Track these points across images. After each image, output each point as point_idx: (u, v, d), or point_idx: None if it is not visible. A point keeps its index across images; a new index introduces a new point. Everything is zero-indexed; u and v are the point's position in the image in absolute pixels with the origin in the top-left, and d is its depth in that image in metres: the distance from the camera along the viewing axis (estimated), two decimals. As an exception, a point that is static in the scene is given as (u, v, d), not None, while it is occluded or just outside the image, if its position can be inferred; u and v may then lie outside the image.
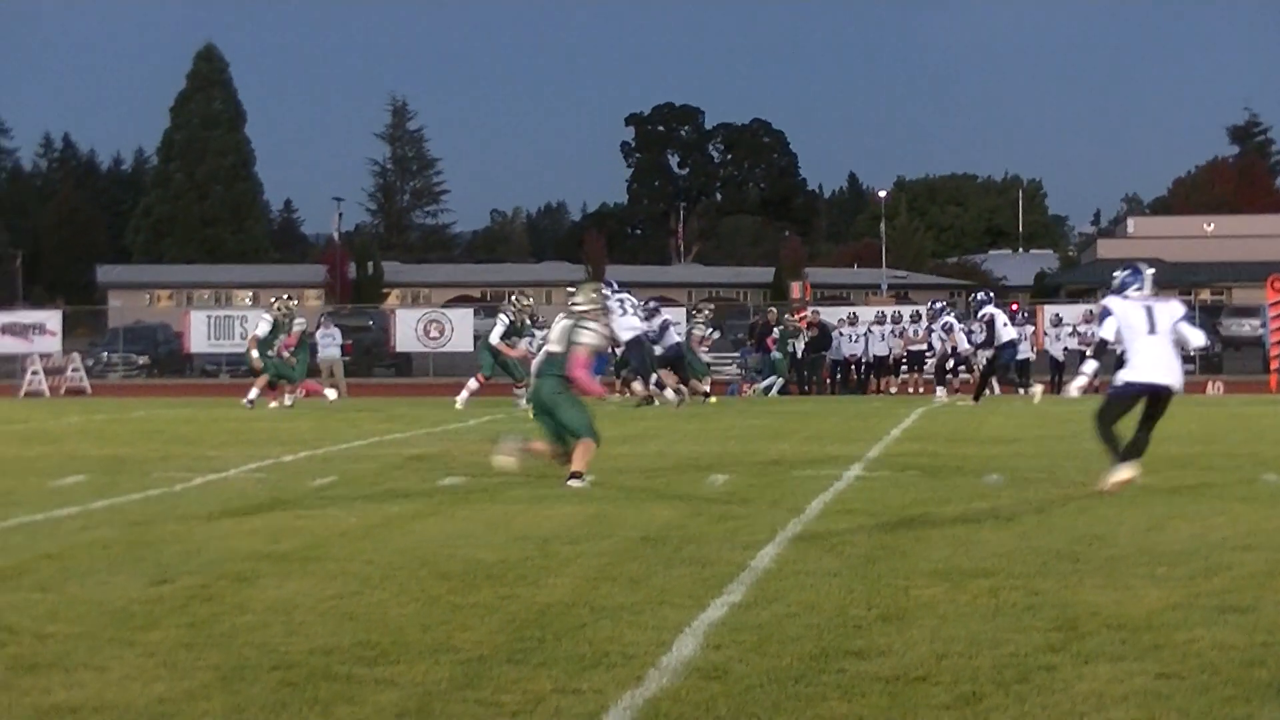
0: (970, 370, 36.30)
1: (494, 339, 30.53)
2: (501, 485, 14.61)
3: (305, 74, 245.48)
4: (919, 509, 12.45)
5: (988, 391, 33.67)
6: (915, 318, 42.99)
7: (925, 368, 41.03)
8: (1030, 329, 42.52)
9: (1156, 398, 14.13)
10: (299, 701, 6.32)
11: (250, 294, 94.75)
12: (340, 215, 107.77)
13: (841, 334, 43.31)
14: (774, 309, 46.84)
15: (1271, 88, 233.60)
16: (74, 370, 45.53)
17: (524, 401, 30.10)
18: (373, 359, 57.99)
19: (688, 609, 8.13)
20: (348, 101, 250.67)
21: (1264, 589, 8.62)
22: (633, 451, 18.96)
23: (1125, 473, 13.62)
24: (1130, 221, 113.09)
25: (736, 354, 50.06)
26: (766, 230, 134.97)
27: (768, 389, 39.93)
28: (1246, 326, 57.20)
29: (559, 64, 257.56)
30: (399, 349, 56.21)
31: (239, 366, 49.10)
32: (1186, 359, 40.98)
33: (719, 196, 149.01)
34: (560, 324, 15.36)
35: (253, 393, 30.77)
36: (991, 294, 35.29)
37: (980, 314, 33.27)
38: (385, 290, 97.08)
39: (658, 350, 32.09)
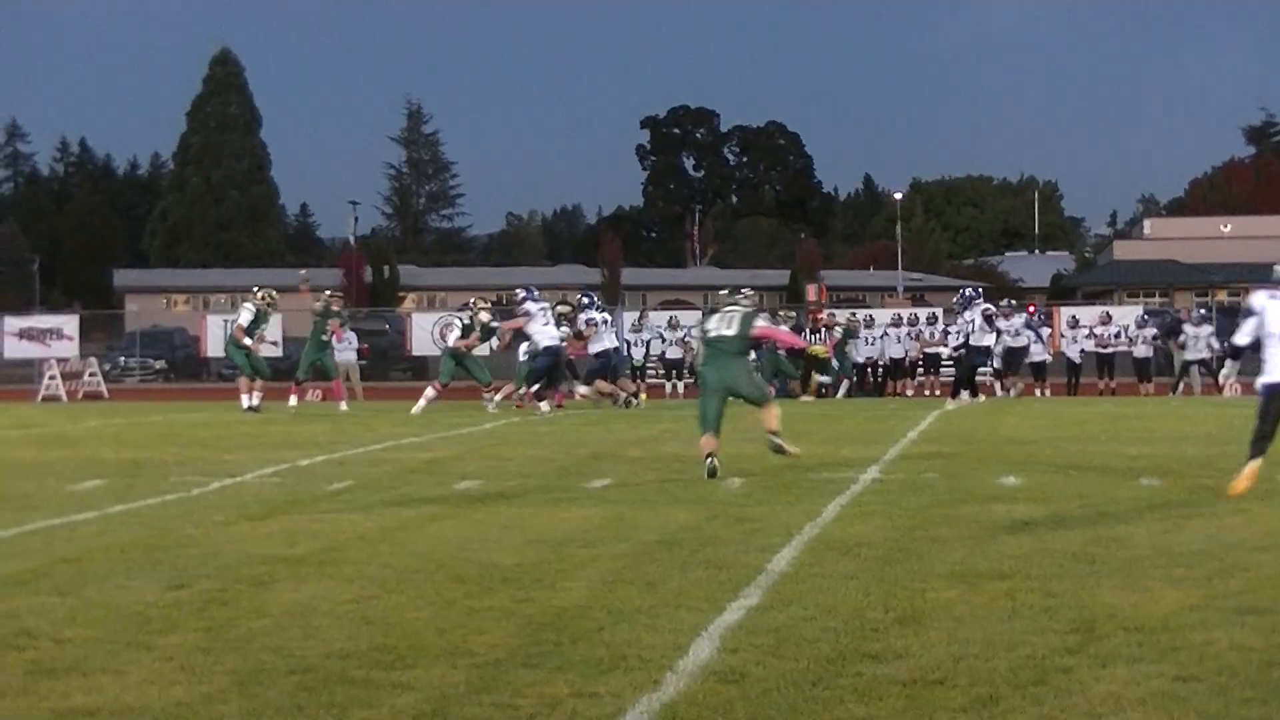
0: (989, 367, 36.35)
1: (451, 340, 30.97)
2: (517, 488, 14.64)
3: (321, 78, 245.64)
4: (935, 511, 12.43)
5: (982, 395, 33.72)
6: (932, 320, 43.01)
7: (942, 370, 41.11)
8: (1047, 331, 42.52)
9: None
10: (315, 705, 6.33)
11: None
12: (355, 219, 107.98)
13: (857, 337, 43.28)
14: (793, 312, 46.93)
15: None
16: (91, 375, 45.63)
17: (492, 406, 30.28)
18: (389, 362, 58.02)
19: (704, 612, 8.12)
20: (363, 105, 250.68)
21: (1278, 590, 8.62)
22: (648, 454, 18.98)
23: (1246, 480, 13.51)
24: (1146, 223, 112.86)
25: (753, 358, 50.03)
26: (782, 232, 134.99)
27: (836, 389, 39.90)
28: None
29: (574, 67, 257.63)
30: (415, 352, 56.16)
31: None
32: (1201, 362, 41.14)
33: (734, 199, 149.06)
34: (731, 313, 16.87)
35: (251, 399, 30.76)
36: (980, 289, 35.46)
37: (977, 312, 33.49)
38: (401, 294, 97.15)
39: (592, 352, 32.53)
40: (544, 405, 30.32)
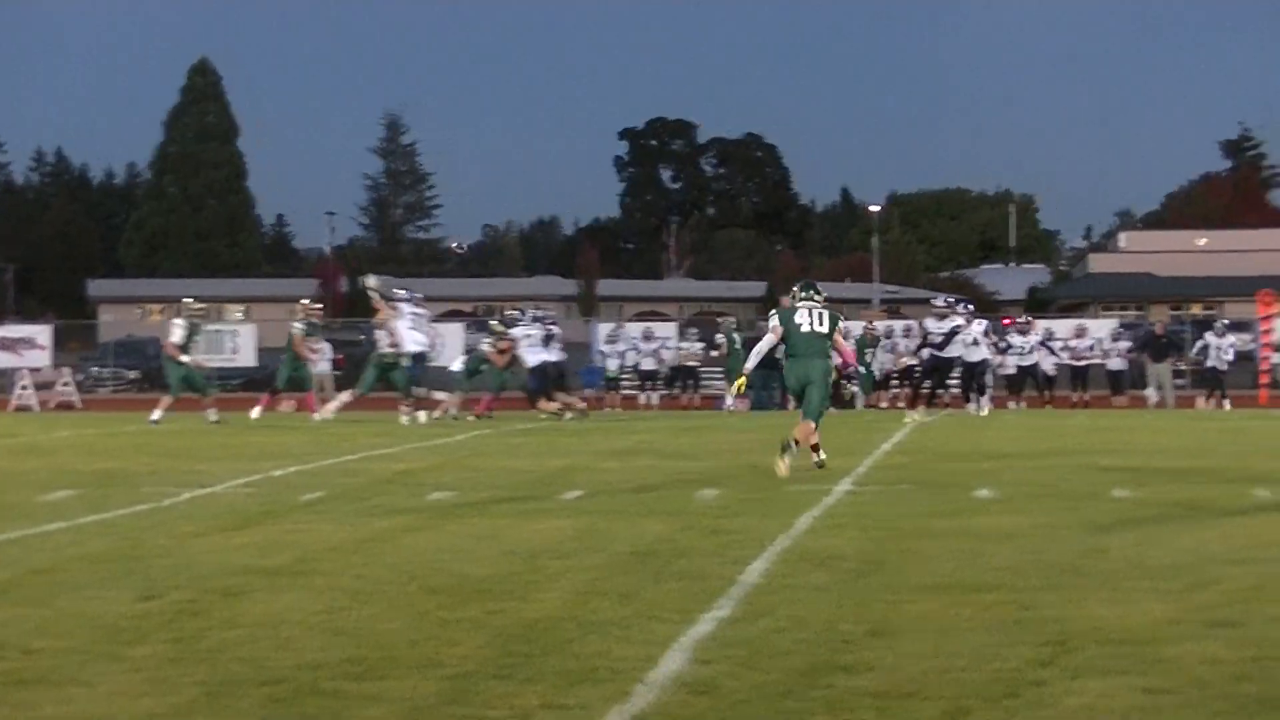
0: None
1: (295, 328, 32.68)
2: (490, 499, 14.63)
3: (299, 88, 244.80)
4: (909, 523, 12.44)
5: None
6: (907, 333, 43.07)
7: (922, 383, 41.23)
8: (1059, 343, 42.61)
9: None
10: (286, 717, 6.31)
11: (243, 308, 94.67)
12: (332, 229, 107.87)
13: (874, 346, 43.32)
14: (723, 319, 47.05)
15: (1264, 101, 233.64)
16: (64, 384, 45.54)
17: (405, 418, 30.28)
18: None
19: (676, 624, 8.11)
20: (341, 116, 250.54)
21: (1253, 604, 8.63)
22: (623, 466, 18.97)
23: None
24: (1122, 236, 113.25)
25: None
26: (759, 244, 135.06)
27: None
28: (1239, 341, 57.29)
29: (552, 78, 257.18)
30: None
31: (229, 380, 49.18)
32: (1177, 374, 41.28)
33: (712, 210, 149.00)
34: (819, 311, 17.92)
35: (209, 414, 30.70)
36: (970, 305, 35.59)
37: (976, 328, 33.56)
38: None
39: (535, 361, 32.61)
40: (421, 415, 30.69)
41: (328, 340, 40.89)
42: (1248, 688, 6.67)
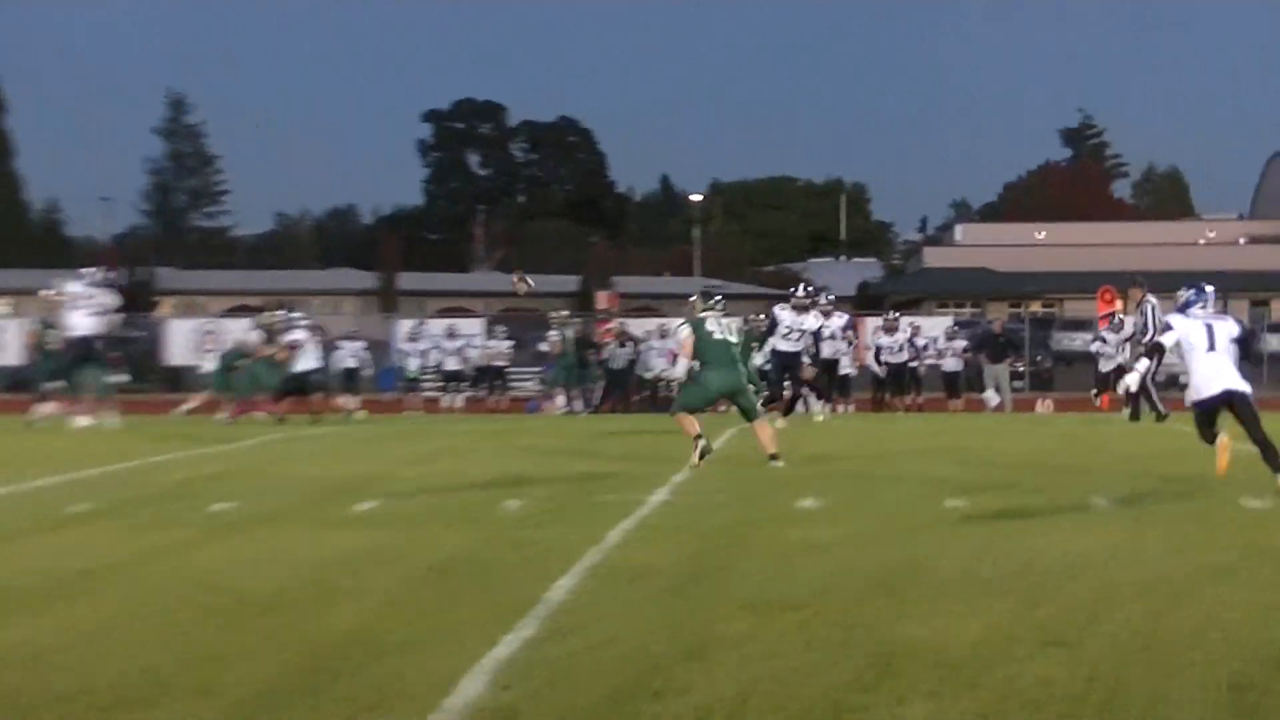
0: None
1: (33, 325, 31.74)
2: (277, 511, 14.48)
3: (75, 61, 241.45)
4: (728, 536, 12.48)
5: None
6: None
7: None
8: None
9: (1233, 406, 15.86)
10: (42, 752, 6.20)
11: (11, 302, 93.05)
12: (109, 217, 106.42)
13: (652, 348, 43.50)
14: (555, 311, 47.06)
15: (1105, 89, 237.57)
16: None
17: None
18: (142, 372, 57.23)
19: (476, 645, 8.07)
20: (122, 94, 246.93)
21: (1091, 620, 8.72)
22: (423, 472, 18.87)
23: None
24: (958, 228, 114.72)
25: (538, 368, 50.06)
26: (573, 235, 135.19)
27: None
28: (1078, 340, 57.99)
29: (351, 56, 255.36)
30: (171, 362, 55.55)
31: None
32: (1016, 376, 41.84)
33: (522, 198, 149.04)
34: (724, 320, 20.02)
35: None
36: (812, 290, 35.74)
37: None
38: (155, 298, 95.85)
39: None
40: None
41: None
42: (1083, 710, 6.75)
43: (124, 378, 32.41)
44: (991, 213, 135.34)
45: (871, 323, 46.87)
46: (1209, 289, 16.54)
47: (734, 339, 19.95)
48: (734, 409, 20.60)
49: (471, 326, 50.70)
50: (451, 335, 46.33)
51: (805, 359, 30.75)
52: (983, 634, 8.33)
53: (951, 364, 42.95)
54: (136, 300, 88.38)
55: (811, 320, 31.23)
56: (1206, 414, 16.11)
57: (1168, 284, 28.59)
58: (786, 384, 30.81)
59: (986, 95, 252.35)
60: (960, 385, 42.86)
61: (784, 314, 30.46)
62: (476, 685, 7.17)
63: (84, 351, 29.65)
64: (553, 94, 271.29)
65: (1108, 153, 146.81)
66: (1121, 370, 30.05)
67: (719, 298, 20.37)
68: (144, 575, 10.58)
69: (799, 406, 31.59)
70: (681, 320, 20.84)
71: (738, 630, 8.46)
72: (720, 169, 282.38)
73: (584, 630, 8.47)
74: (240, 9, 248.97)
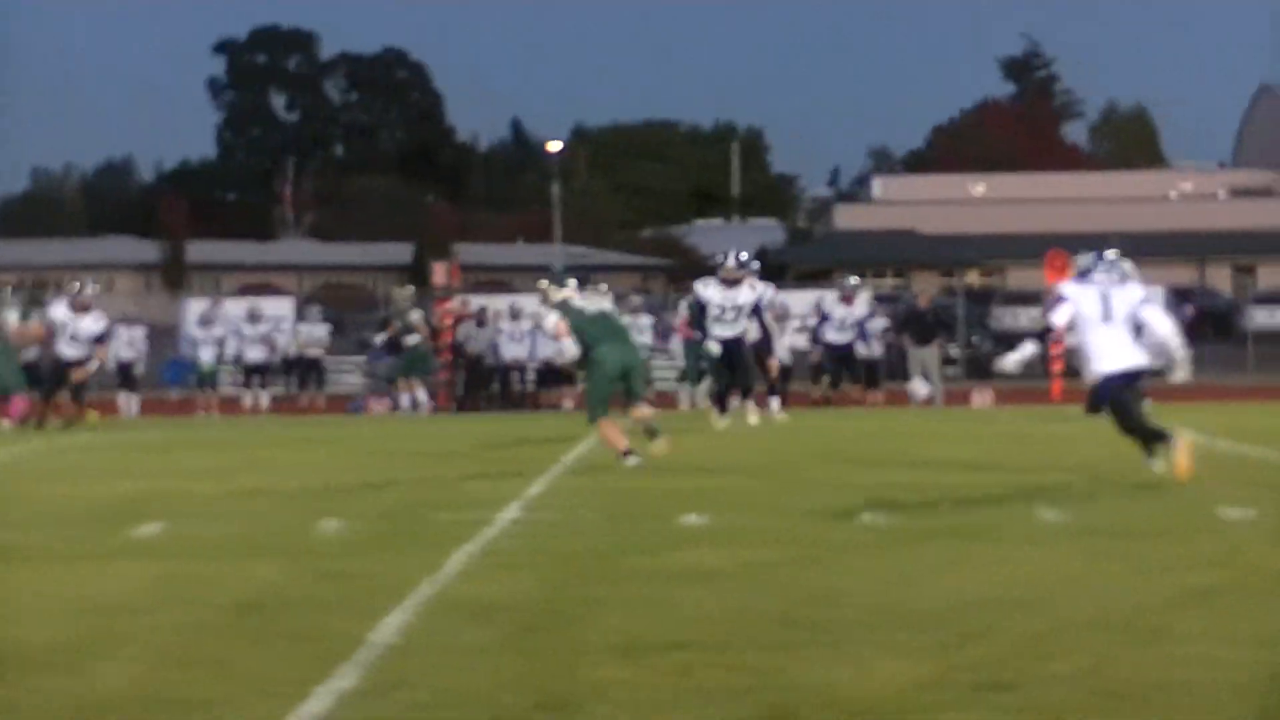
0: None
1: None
2: (39, 540, 14.41)
3: None
4: (595, 562, 12.54)
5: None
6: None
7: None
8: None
9: (1129, 384, 17.38)
10: None
11: None
12: None
13: (501, 331, 43.57)
14: (398, 288, 47.10)
15: (1055, 8, 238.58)
16: None
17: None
18: None
19: (286, 699, 8.05)
20: None
21: (1031, 659, 8.79)
22: (220, 490, 18.83)
23: (1183, 454, 16.89)
24: (877, 182, 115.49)
25: (363, 358, 50.02)
26: (405, 194, 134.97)
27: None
28: (1024, 318, 57.71)
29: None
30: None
31: None
32: (948, 361, 42.14)
33: (341, 149, 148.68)
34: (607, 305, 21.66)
35: None
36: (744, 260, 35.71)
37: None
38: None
39: None
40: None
41: None
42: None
43: None
44: (917, 162, 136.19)
45: (803, 295, 46.98)
46: (1112, 253, 17.89)
47: (609, 306, 20.96)
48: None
49: (279, 308, 50.56)
50: (254, 319, 46.20)
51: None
52: (904, 679, 8.39)
53: (870, 348, 42.98)
54: None
55: (747, 293, 30.66)
56: (1120, 388, 17.30)
57: (1134, 249, 29.01)
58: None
59: (910, 18, 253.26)
60: (881, 374, 43.03)
61: (710, 291, 29.83)
62: (284, 751, 7.20)
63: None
64: (376, 20, 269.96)
65: (1058, 88, 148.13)
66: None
67: (574, 278, 20.80)
68: None
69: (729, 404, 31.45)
70: (543, 303, 21.50)
71: (606, 678, 8.50)
72: (584, 111, 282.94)
73: (416, 681, 8.48)
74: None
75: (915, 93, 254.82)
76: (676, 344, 43.27)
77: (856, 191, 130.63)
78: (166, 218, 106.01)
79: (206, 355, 45.18)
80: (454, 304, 45.90)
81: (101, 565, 12.83)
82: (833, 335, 41.55)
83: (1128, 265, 17.74)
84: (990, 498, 16.72)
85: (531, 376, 45.01)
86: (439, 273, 50.06)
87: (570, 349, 20.62)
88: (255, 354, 45.34)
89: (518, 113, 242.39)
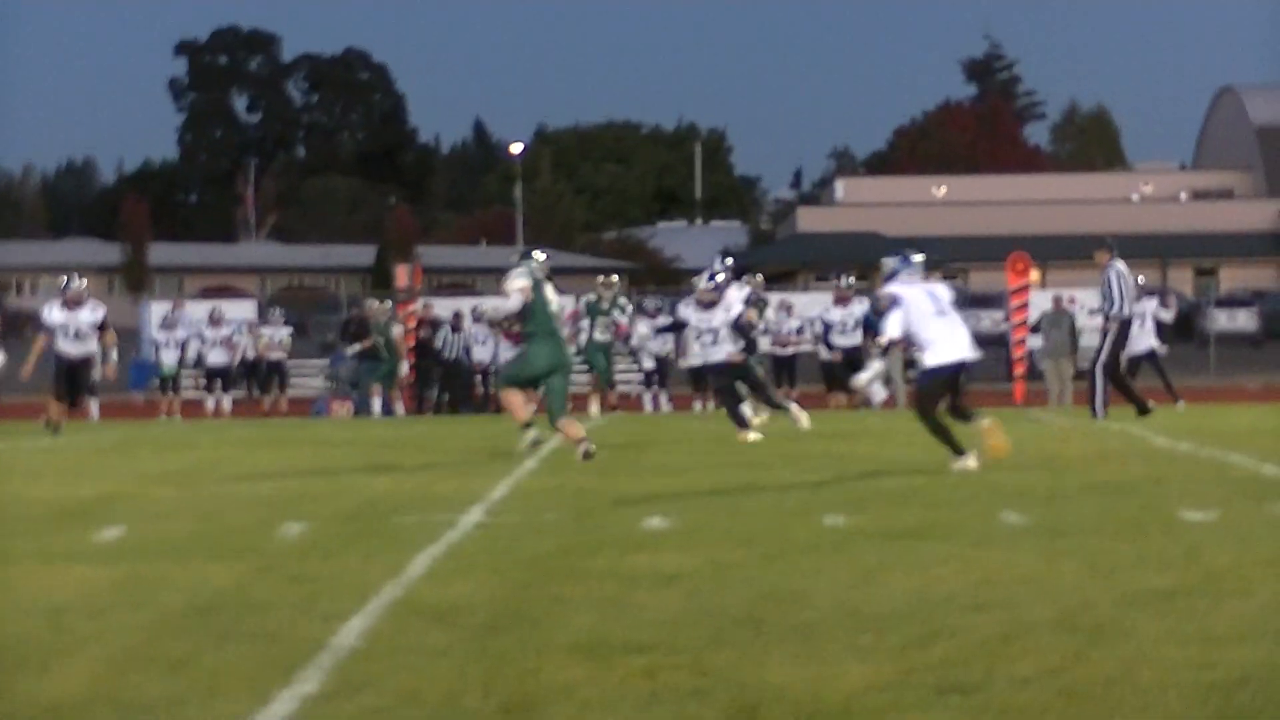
0: None
1: None
2: (7, 543, 14.36)
3: None
4: (558, 564, 12.52)
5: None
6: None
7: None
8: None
9: (956, 377, 18.70)
10: None
11: None
12: None
13: (462, 332, 43.57)
14: (375, 301, 46.94)
15: (1017, 10, 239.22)
16: None
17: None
18: None
19: (245, 702, 8.05)
20: None
21: (996, 659, 8.79)
22: (180, 493, 18.82)
23: (971, 461, 18.65)
24: (839, 184, 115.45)
25: (325, 361, 49.96)
26: (366, 195, 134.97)
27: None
28: (986, 320, 57.62)
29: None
30: None
31: None
32: (909, 364, 42.07)
33: (303, 151, 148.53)
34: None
35: None
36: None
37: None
38: None
39: None
40: None
41: None
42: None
43: None
44: (880, 164, 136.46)
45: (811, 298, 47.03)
46: (917, 257, 18.89)
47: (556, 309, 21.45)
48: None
49: (241, 310, 50.52)
50: (216, 321, 46.11)
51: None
52: (867, 679, 8.39)
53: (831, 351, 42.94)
54: None
55: (721, 315, 29.53)
56: (941, 384, 18.90)
57: (1091, 251, 28.98)
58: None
59: (873, 19, 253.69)
60: (843, 376, 42.98)
61: (688, 312, 29.03)
62: (245, 754, 7.18)
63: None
64: (337, 21, 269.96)
65: (1020, 89, 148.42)
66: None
67: (544, 256, 21.07)
68: None
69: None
70: (518, 268, 21.49)
71: (569, 679, 8.50)
72: (546, 112, 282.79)
73: (380, 682, 8.47)
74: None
75: (877, 94, 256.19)
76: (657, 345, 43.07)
77: (819, 193, 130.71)
78: (128, 219, 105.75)
79: (168, 358, 45.09)
80: (417, 306, 45.87)
81: (63, 567, 12.79)
82: (839, 340, 41.51)
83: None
84: (952, 499, 16.73)
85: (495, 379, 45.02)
86: (402, 276, 50.15)
87: (511, 306, 20.85)
88: (217, 357, 45.26)
89: (480, 114, 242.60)
